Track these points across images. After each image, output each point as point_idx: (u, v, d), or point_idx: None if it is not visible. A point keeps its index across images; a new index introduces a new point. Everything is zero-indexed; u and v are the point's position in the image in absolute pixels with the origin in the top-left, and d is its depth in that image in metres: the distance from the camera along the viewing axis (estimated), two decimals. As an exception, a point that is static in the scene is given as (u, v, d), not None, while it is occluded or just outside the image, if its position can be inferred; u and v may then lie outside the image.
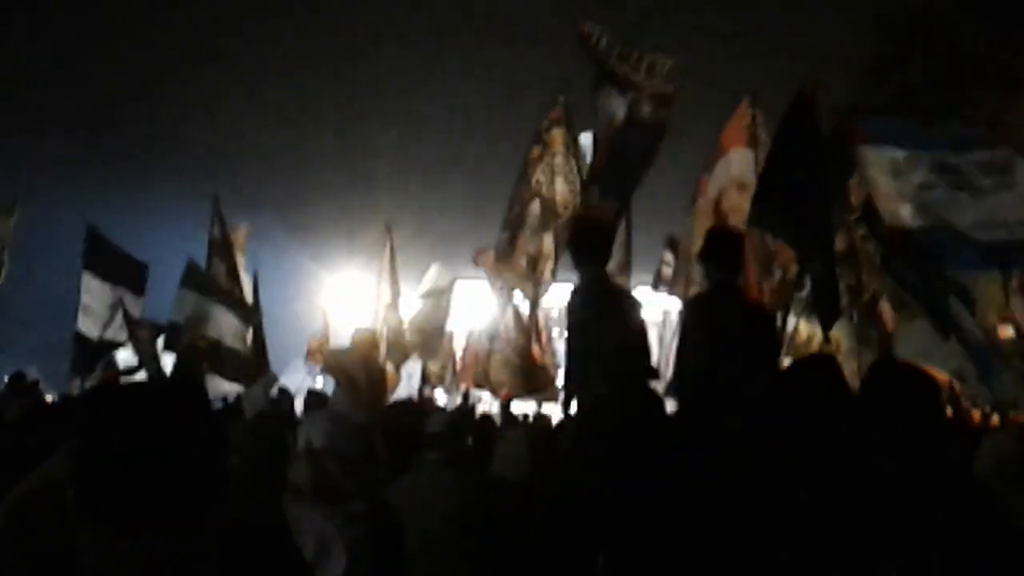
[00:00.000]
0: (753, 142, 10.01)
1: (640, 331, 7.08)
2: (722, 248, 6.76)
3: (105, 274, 14.12)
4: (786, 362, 8.87)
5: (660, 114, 9.96)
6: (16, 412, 8.55)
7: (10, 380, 12.93)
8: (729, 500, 3.04)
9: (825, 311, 8.45)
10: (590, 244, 7.07)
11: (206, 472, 2.08)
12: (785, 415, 3.33)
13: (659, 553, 2.94)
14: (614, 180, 10.04)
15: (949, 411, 7.93)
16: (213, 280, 13.62)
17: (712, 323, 6.38)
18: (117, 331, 13.96)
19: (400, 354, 13.95)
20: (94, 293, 14.06)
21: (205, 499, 2.07)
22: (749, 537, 3.01)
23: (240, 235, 15.10)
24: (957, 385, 9.77)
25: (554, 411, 11.93)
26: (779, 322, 9.44)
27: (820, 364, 3.75)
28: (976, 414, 9.87)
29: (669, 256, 13.78)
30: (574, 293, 6.95)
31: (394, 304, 14.58)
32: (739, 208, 9.80)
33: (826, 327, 8.52)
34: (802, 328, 9.92)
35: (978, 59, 17.85)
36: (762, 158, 9.56)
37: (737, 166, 10.03)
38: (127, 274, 14.36)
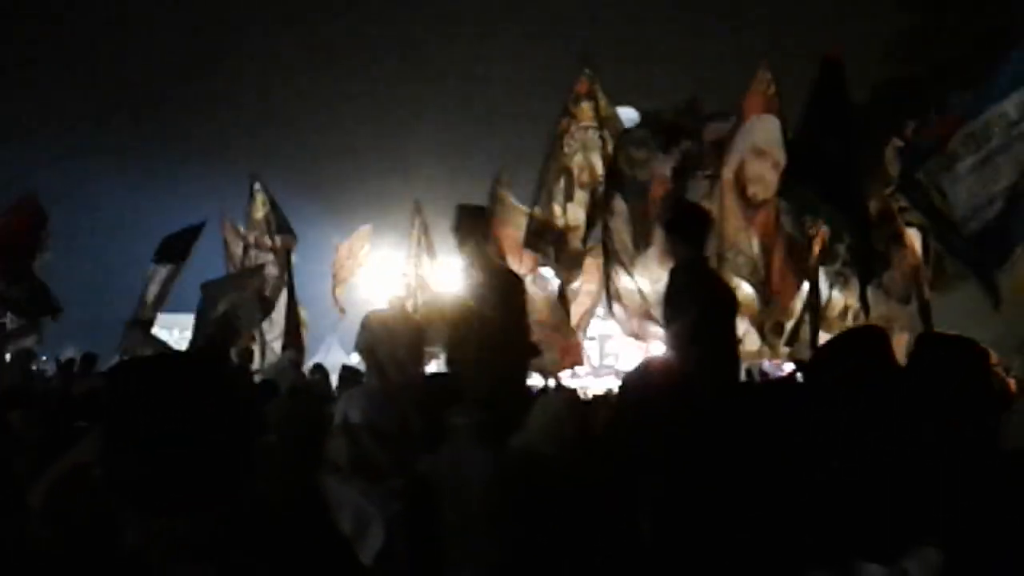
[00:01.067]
0: (775, 107, 9.96)
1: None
2: (690, 224, 6.72)
3: (170, 260, 14.32)
4: (824, 334, 8.85)
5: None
6: (84, 387, 8.93)
7: (81, 360, 13.19)
8: (770, 471, 3.02)
9: (862, 280, 8.42)
10: (694, 227, 6.99)
11: (235, 448, 2.05)
12: (834, 384, 3.30)
13: (704, 520, 2.93)
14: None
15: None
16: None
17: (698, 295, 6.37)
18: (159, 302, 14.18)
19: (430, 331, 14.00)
20: (156, 281, 14.27)
21: (236, 475, 2.05)
22: (788, 507, 2.99)
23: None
24: (994, 355, 9.67)
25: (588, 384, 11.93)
26: (810, 294, 9.40)
27: (871, 336, 3.70)
28: (1012, 383, 9.76)
29: None
30: (676, 272, 6.86)
31: (425, 281, 14.59)
32: (760, 177, 9.77)
33: (863, 296, 8.48)
34: (835, 299, 9.82)
35: (1007, 33, 17.60)
36: (777, 124, 9.59)
37: (760, 133, 9.95)
38: (181, 248, 14.51)
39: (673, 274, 6.46)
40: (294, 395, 7.17)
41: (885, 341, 3.49)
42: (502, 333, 6.78)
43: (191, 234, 14.46)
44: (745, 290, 9.62)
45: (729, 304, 6.58)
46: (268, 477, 3.73)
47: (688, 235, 6.58)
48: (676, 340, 6.20)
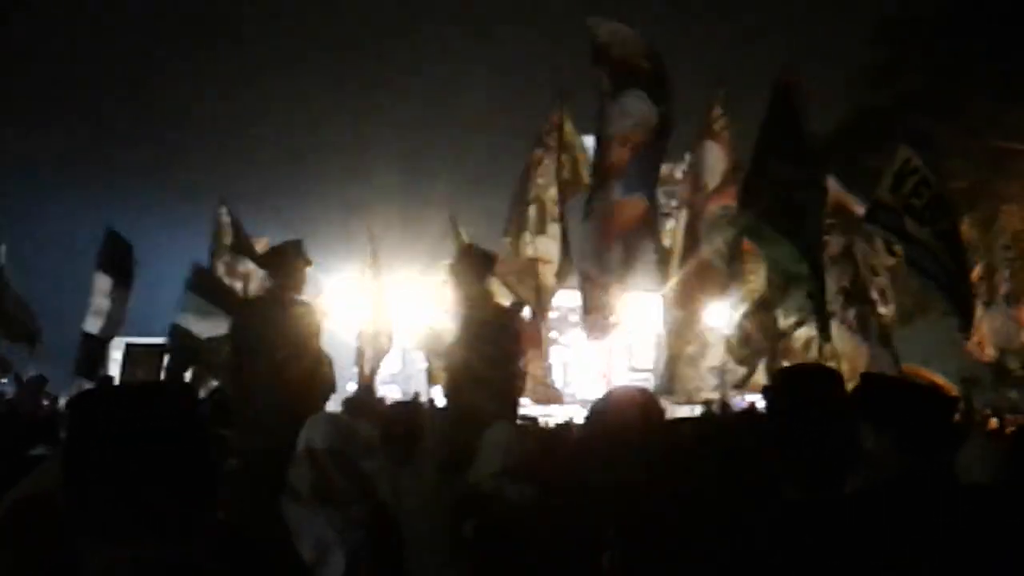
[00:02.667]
0: (715, 135, 10.15)
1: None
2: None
3: (115, 273, 14.13)
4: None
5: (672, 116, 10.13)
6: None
7: (28, 382, 12.95)
8: (728, 500, 3.04)
9: (821, 315, 8.51)
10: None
11: (197, 475, 2.05)
12: (782, 420, 3.34)
13: (665, 550, 2.93)
14: (639, 177, 10.10)
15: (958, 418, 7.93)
16: (218, 283, 13.64)
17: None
18: (115, 327, 14.00)
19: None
20: (104, 292, 14.09)
21: (197, 503, 2.05)
22: (746, 536, 3.01)
23: (260, 245, 15.11)
24: (961, 391, 9.75)
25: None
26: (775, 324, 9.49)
27: (819, 374, 3.76)
28: (992, 421, 9.84)
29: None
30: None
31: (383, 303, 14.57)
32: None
33: (823, 330, 8.57)
34: (799, 333, 9.91)
35: (976, 64, 17.87)
36: (725, 153, 9.76)
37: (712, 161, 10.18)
38: (123, 266, 14.35)
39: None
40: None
41: (835, 380, 3.53)
42: (485, 372, 6.99)
43: (125, 249, 14.33)
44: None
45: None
46: (230, 503, 3.72)
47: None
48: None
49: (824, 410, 3.28)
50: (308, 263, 7.32)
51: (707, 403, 10.35)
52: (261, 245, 14.83)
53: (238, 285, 14.17)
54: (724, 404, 10.89)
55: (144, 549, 1.93)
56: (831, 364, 8.42)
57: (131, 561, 1.91)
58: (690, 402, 10.78)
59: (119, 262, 14.16)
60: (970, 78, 17.71)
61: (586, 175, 11.01)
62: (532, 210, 11.22)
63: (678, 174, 11.26)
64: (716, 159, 10.28)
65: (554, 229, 11.18)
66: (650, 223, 10.29)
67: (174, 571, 1.94)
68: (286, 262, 7.25)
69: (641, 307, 10.98)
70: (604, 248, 10.23)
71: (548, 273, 11.19)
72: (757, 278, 9.74)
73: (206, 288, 13.14)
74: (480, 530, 5.03)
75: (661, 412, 3.39)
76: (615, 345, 14.69)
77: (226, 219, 14.52)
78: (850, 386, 3.59)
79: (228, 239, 14.42)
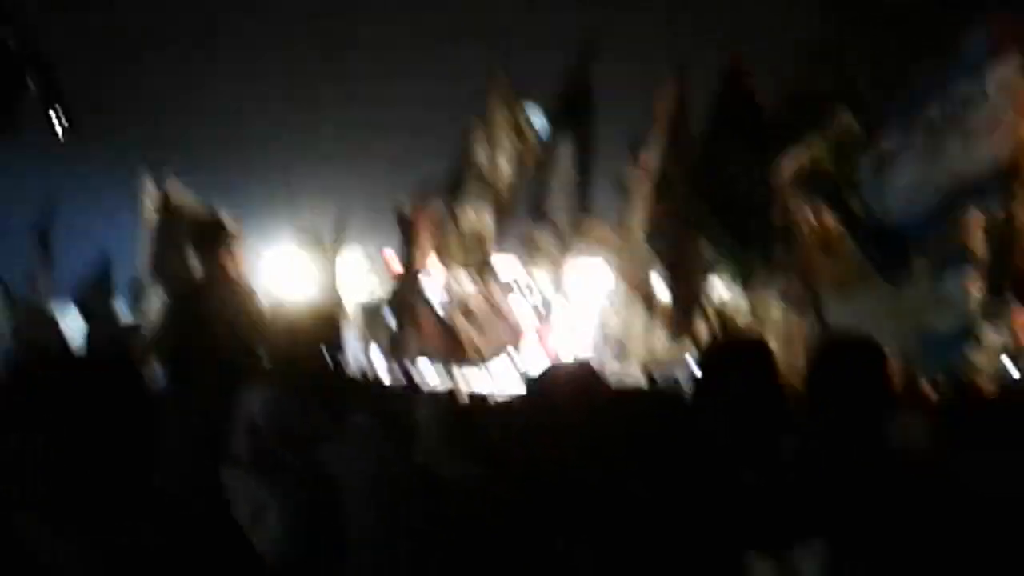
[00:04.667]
0: (671, 121, 10.16)
1: None
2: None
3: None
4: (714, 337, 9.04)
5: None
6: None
7: None
8: (680, 482, 3.05)
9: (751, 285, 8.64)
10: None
11: (138, 450, 2.02)
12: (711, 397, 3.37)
13: (619, 532, 2.94)
14: None
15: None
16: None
17: None
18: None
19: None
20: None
21: (139, 476, 2.02)
22: (697, 519, 3.02)
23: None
24: (902, 361, 9.89)
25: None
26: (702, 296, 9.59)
27: (747, 347, 3.80)
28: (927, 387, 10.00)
29: None
30: None
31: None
32: None
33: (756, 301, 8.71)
34: (737, 304, 10.00)
35: (922, 38, 18.03)
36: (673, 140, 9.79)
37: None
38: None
39: None
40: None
41: (766, 355, 3.56)
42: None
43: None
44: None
45: None
46: (168, 472, 3.69)
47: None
48: None
49: (752, 383, 3.32)
50: (235, 239, 7.46)
51: (655, 370, 10.40)
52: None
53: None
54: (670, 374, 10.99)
55: (93, 537, 1.90)
56: (766, 336, 8.53)
57: (81, 551, 1.88)
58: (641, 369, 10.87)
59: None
60: (916, 52, 17.90)
61: (532, 139, 11.02)
62: (473, 183, 11.21)
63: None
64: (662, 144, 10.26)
65: (496, 197, 11.18)
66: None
67: (110, 550, 1.92)
68: (214, 241, 7.39)
69: (587, 274, 11.01)
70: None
71: (487, 246, 11.19)
72: (697, 251, 9.79)
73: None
74: (424, 513, 5.06)
75: (605, 388, 3.38)
76: (559, 313, 14.60)
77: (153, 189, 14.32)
78: (785, 358, 3.64)
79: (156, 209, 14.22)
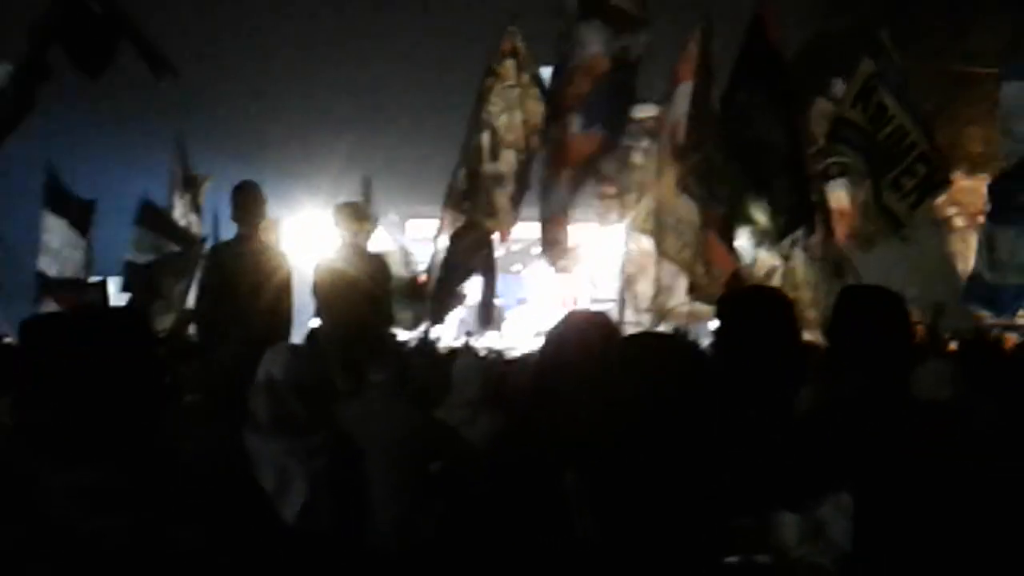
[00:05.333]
0: (697, 75, 9.99)
1: None
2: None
3: (65, 212, 13.85)
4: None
5: (639, 52, 9.97)
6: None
7: None
8: (690, 423, 3.04)
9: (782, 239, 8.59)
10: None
11: (145, 401, 2.03)
12: (730, 340, 3.36)
13: (627, 471, 2.93)
14: (600, 111, 9.97)
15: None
16: (169, 219, 13.51)
17: None
18: (79, 270, 13.73)
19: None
20: (54, 232, 13.80)
21: (146, 428, 2.03)
22: (707, 461, 3.01)
23: (202, 185, 14.85)
24: (926, 316, 9.86)
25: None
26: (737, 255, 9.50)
27: (766, 295, 3.79)
28: (952, 344, 9.97)
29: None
30: None
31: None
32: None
33: (786, 258, 8.66)
34: (762, 259, 9.93)
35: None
36: (707, 91, 9.63)
37: (684, 100, 10.00)
38: (79, 215, 14.07)
39: None
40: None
41: (781, 303, 3.55)
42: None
43: (83, 208, 14.09)
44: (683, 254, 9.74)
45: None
46: (190, 437, 3.70)
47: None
48: None
49: (769, 330, 3.30)
50: (265, 202, 7.82)
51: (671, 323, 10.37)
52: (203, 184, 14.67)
53: (194, 219, 14.03)
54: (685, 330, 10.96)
55: (92, 471, 1.91)
56: (792, 293, 8.48)
57: (79, 483, 1.89)
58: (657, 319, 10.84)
59: (66, 202, 13.91)
60: (931, 2, 17.72)
61: (541, 104, 10.88)
62: (484, 137, 11.09)
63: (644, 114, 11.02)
64: (687, 98, 10.08)
65: (507, 155, 11.07)
66: (606, 157, 10.22)
67: (122, 496, 1.93)
68: (245, 204, 7.68)
69: (602, 239, 10.91)
70: (553, 182, 10.17)
71: (503, 195, 11.10)
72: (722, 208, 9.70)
73: (156, 223, 13.05)
74: (447, 468, 5.07)
75: (617, 332, 3.37)
76: (577, 276, 14.53)
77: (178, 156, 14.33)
78: (812, 314, 3.63)
79: (180, 176, 14.24)
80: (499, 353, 11.27)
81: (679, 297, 9.91)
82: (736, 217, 9.10)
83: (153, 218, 13.14)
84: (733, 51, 9.28)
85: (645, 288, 10.47)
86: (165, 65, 7.86)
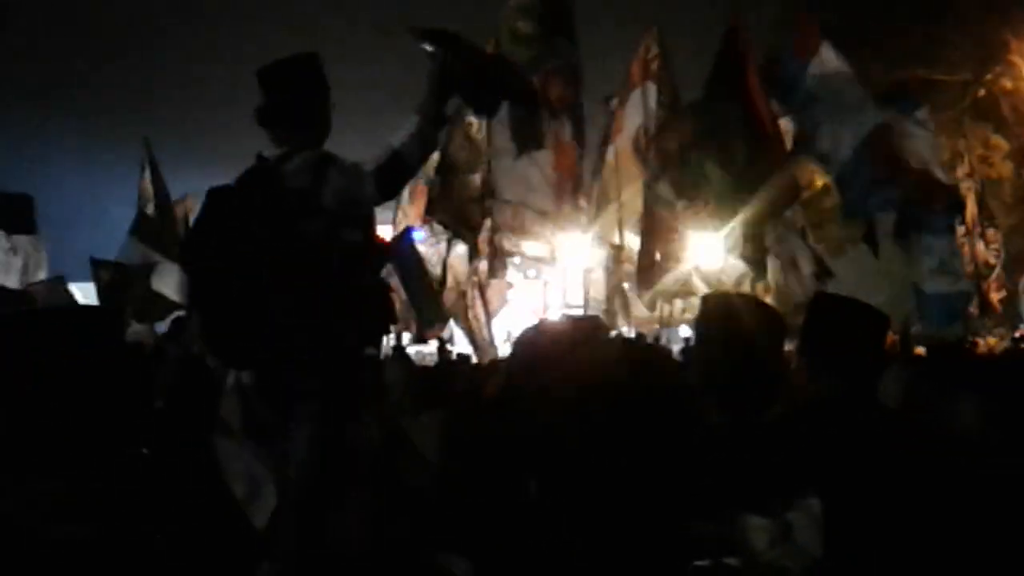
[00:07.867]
0: (655, 75, 10.05)
1: None
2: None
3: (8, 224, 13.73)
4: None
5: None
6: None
7: None
8: (654, 427, 3.05)
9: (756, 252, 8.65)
10: None
11: (112, 409, 1.99)
12: (706, 346, 3.37)
13: (590, 476, 2.93)
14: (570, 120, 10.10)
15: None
16: (160, 231, 13.49)
17: None
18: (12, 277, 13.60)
19: None
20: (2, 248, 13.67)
21: (114, 436, 2.00)
22: (674, 464, 3.02)
23: (186, 207, 14.66)
24: (897, 322, 9.91)
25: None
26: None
27: (743, 302, 3.80)
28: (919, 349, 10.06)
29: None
30: None
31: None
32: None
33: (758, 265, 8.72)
34: (732, 266, 9.97)
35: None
36: (665, 92, 9.69)
37: (647, 103, 10.06)
38: (14, 215, 13.94)
39: None
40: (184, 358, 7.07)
41: (760, 310, 3.56)
42: None
43: (21, 202, 13.98)
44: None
45: None
46: (158, 439, 3.67)
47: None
48: None
49: (746, 337, 3.31)
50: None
51: (641, 334, 10.44)
52: (182, 208, 14.52)
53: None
54: (656, 338, 11.02)
55: (56, 481, 1.88)
56: (762, 295, 8.53)
57: (44, 494, 1.86)
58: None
59: (13, 211, 13.79)
60: (891, 11, 17.89)
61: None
62: (464, 150, 11.10)
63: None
64: (654, 99, 10.14)
65: (482, 162, 11.09)
66: (577, 167, 10.32)
67: (86, 505, 1.90)
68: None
69: (571, 245, 10.95)
70: (543, 185, 10.23)
71: (478, 212, 11.11)
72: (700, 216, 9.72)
73: (148, 236, 13.08)
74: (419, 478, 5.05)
75: (587, 339, 3.37)
76: (549, 282, 14.54)
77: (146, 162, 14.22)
78: (787, 319, 3.65)
79: (147, 181, 14.12)
80: (467, 358, 11.35)
81: (643, 307, 9.98)
82: (714, 214, 9.17)
83: (147, 230, 13.21)
84: (695, 53, 9.39)
85: (614, 294, 10.53)
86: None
